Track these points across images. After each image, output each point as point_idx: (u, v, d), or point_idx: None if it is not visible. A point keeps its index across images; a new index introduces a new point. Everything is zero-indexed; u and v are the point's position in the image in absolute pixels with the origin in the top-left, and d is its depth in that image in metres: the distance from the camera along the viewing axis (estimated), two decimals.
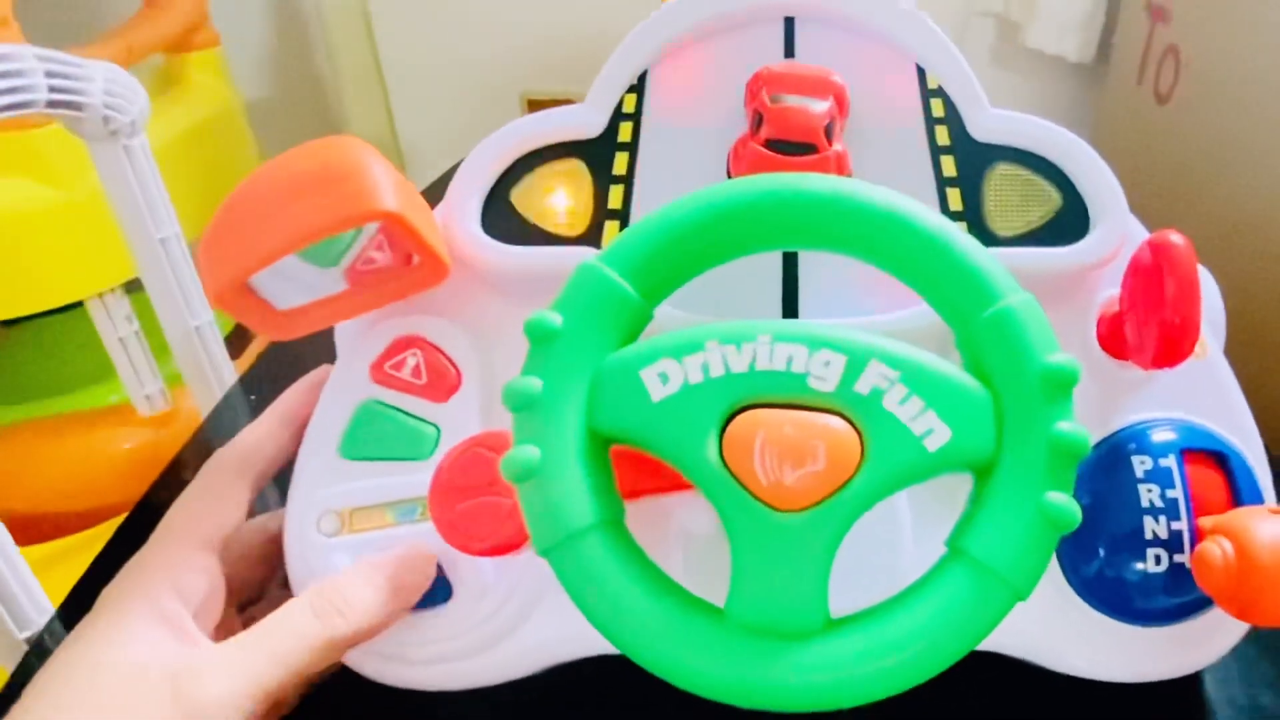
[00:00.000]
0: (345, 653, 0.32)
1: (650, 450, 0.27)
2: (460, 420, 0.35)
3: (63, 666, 0.29)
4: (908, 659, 0.25)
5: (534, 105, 1.28)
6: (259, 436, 0.36)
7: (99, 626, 0.30)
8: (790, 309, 0.36)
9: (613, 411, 0.26)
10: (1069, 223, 0.37)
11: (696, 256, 0.29)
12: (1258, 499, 0.35)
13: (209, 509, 0.34)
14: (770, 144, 0.35)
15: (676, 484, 0.31)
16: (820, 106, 0.36)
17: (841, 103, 0.37)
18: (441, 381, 0.35)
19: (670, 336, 0.27)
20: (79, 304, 0.78)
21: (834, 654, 0.25)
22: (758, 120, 0.36)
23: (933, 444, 0.25)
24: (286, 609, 0.31)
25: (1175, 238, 0.32)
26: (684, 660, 0.25)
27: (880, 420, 0.25)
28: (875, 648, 0.25)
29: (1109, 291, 0.37)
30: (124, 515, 0.50)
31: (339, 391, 0.36)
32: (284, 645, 0.30)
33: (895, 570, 0.33)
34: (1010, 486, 0.26)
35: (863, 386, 0.26)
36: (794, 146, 0.35)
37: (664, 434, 0.26)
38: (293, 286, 0.34)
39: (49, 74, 0.48)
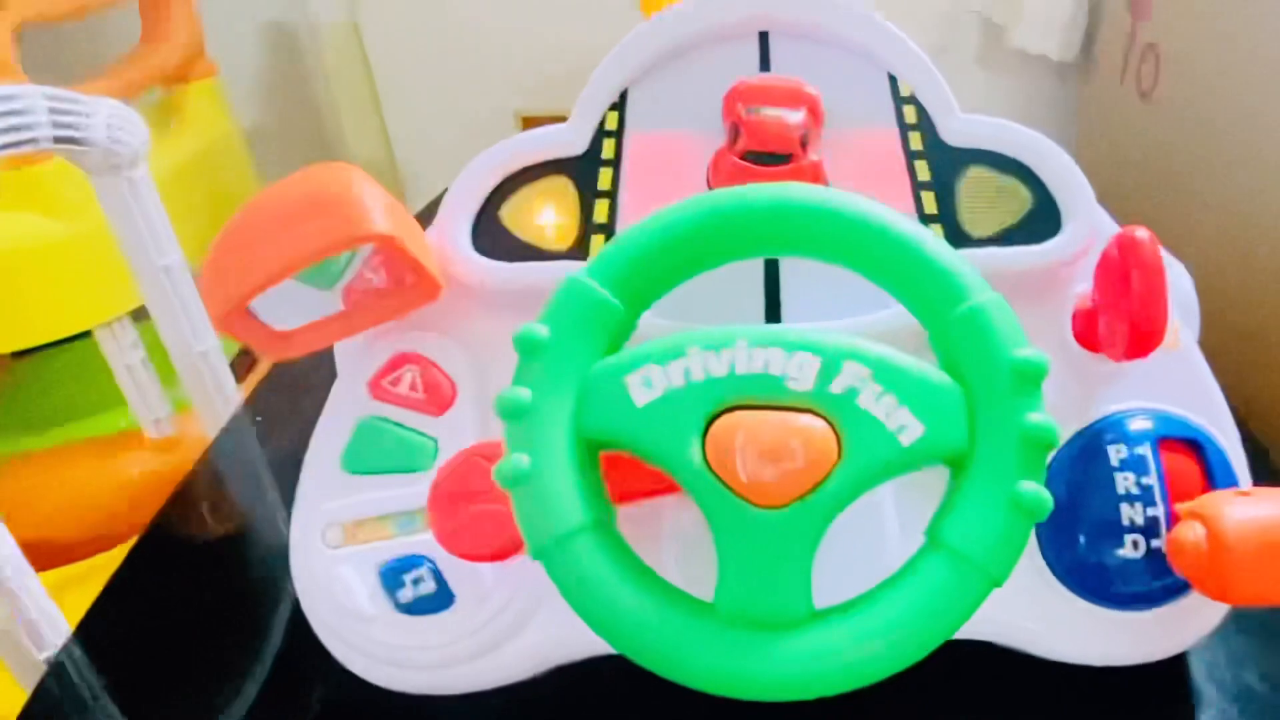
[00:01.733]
0: None
1: (636, 453, 0.28)
2: (457, 432, 0.36)
3: None
4: (890, 646, 0.26)
5: (529, 123, 1.30)
6: None
7: None
8: (773, 313, 0.37)
9: (600, 417, 0.28)
10: (1041, 221, 0.38)
11: (677, 267, 0.30)
12: (1232, 484, 0.36)
13: None
14: (748, 155, 0.37)
15: (665, 487, 0.32)
16: (795, 117, 0.37)
17: (815, 113, 0.38)
18: (438, 395, 0.37)
19: (653, 344, 0.28)
20: (86, 333, 0.80)
21: (819, 643, 0.26)
22: (735, 133, 0.37)
23: (907, 439, 0.27)
24: None
25: (1141, 233, 0.33)
26: (674, 653, 0.26)
27: (855, 418, 0.27)
28: (858, 636, 0.26)
29: (1083, 286, 0.38)
30: (135, 539, 0.51)
31: (339, 408, 0.37)
32: None
33: (881, 562, 0.34)
34: (983, 477, 0.27)
35: (838, 386, 0.27)
36: (770, 157, 0.36)
37: (649, 437, 0.27)
38: (292, 308, 0.35)
39: (53, 111, 0.49)
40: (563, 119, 0.40)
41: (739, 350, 0.27)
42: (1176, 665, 0.39)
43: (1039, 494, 0.26)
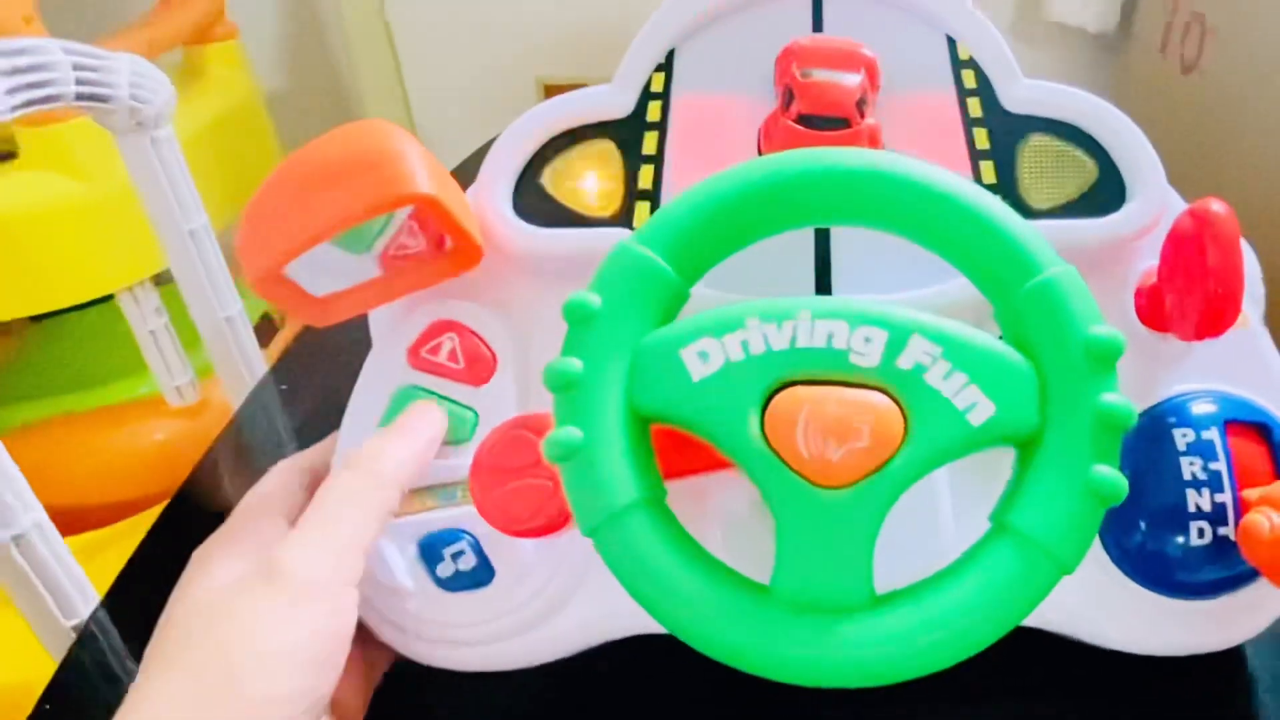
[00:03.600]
0: (390, 515, 0.32)
1: (691, 429, 0.27)
2: (498, 403, 0.35)
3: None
4: (955, 634, 0.25)
5: (550, 91, 1.28)
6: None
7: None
8: (824, 285, 0.36)
9: (653, 391, 0.26)
10: (1105, 194, 0.36)
11: (733, 234, 0.28)
12: None
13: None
14: (802, 119, 0.35)
15: (713, 464, 0.31)
16: (852, 80, 0.35)
17: (873, 76, 0.36)
18: (478, 365, 0.36)
19: (710, 314, 0.27)
20: (108, 297, 0.79)
21: (881, 629, 0.25)
22: (789, 96, 0.36)
23: (976, 418, 0.25)
24: (324, 484, 0.31)
25: (1217, 206, 0.32)
26: (731, 637, 0.25)
27: (923, 396, 0.25)
28: (922, 623, 0.25)
29: (1147, 263, 0.37)
30: (158, 506, 0.51)
31: (376, 377, 0.36)
32: (340, 509, 0.31)
33: (935, 549, 0.33)
34: (1055, 460, 0.26)
35: (905, 362, 0.25)
36: (826, 121, 0.35)
37: (705, 413, 0.26)
38: (328, 273, 0.34)
39: (76, 67, 0.48)
40: (584, 87, 0.38)
41: (801, 322, 0.26)
42: (1234, 656, 0.37)
43: (1114, 478, 0.25)
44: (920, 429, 0.25)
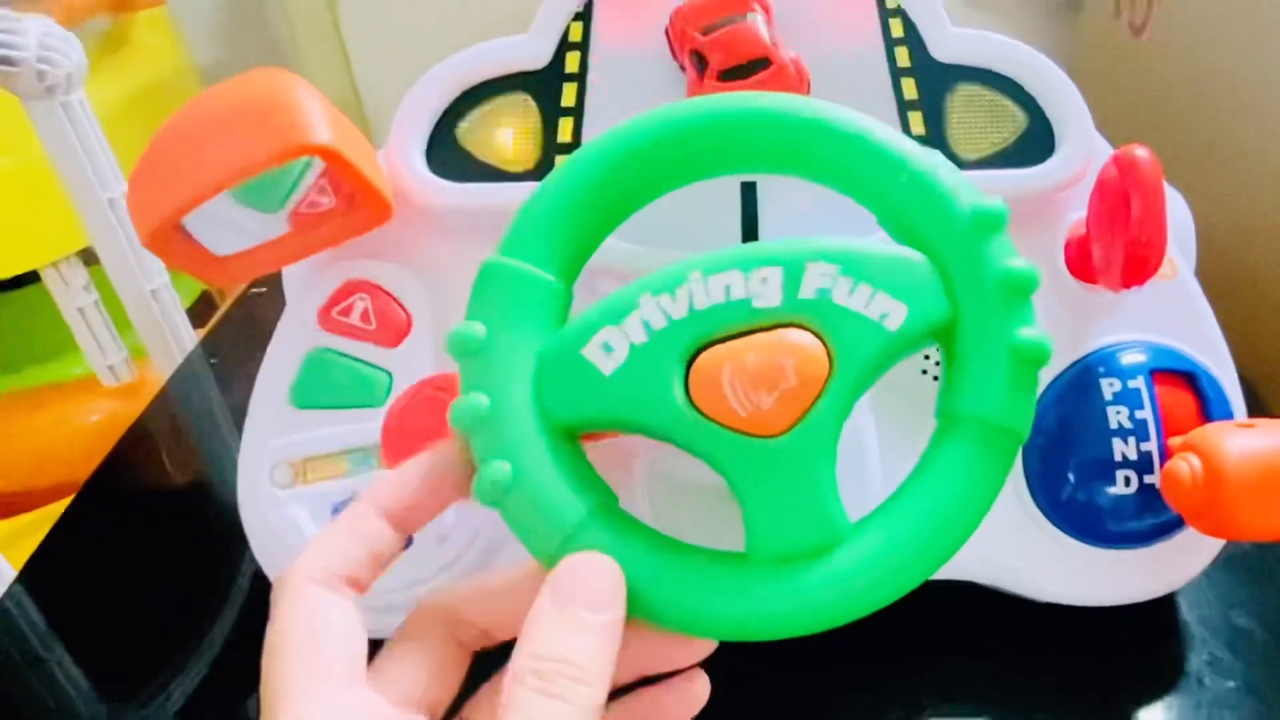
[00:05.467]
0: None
1: (618, 428, 0.25)
2: (412, 365, 0.34)
3: None
4: (941, 530, 0.24)
5: None
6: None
7: None
8: (750, 237, 0.35)
9: (566, 399, 0.25)
10: (1035, 143, 0.36)
11: (599, 221, 0.27)
12: (1228, 417, 0.34)
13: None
14: (724, 75, 0.34)
15: None
16: (755, 19, 0.34)
17: (767, 9, 0.35)
18: (391, 326, 0.34)
19: (600, 305, 0.25)
20: (37, 277, 0.76)
21: (872, 550, 0.24)
22: (699, 60, 0.35)
23: (893, 324, 0.25)
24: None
25: (1141, 151, 0.31)
26: (733, 616, 0.24)
27: (836, 317, 0.24)
28: (907, 530, 0.24)
29: (1076, 214, 0.36)
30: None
31: (287, 339, 0.35)
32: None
33: (865, 502, 0.33)
34: (976, 339, 0.25)
35: (807, 291, 0.25)
36: (748, 68, 0.34)
37: (627, 405, 0.25)
38: (233, 231, 0.33)
39: None
40: None
41: (694, 284, 0.25)
42: (1165, 605, 0.38)
43: (1037, 338, 0.24)
44: (843, 351, 0.24)
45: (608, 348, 0.25)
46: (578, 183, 0.26)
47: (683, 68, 0.36)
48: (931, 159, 0.26)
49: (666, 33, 0.36)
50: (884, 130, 0.26)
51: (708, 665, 0.26)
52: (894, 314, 0.24)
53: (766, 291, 0.24)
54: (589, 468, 0.26)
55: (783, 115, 0.27)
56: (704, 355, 0.25)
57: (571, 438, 0.26)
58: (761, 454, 0.24)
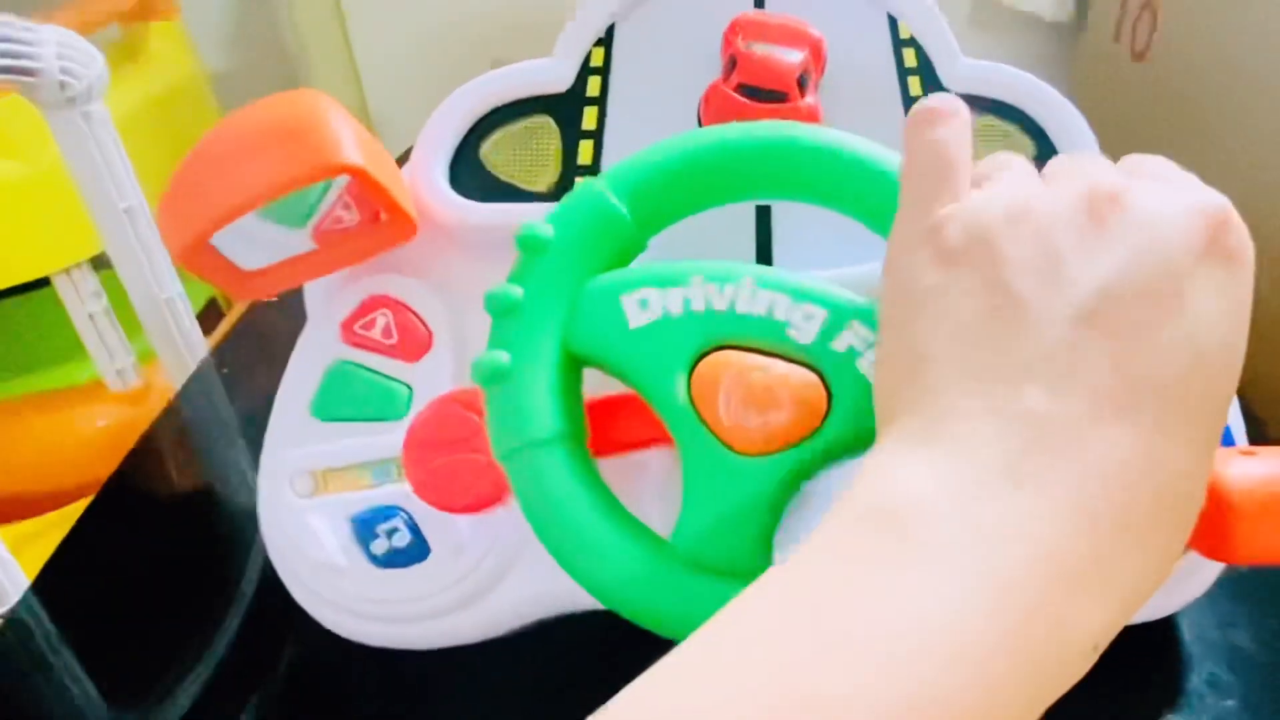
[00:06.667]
0: None
1: (619, 375, 0.27)
2: (432, 379, 0.35)
3: None
4: None
5: None
6: None
7: None
8: (764, 260, 0.36)
9: (588, 331, 0.26)
10: None
11: (697, 193, 0.28)
12: (1229, 442, 0.35)
13: None
14: (741, 88, 0.35)
15: (650, 439, 0.31)
16: (794, 57, 0.35)
17: (818, 56, 0.36)
18: (412, 341, 0.35)
19: (656, 266, 0.27)
20: (46, 282, 0.77)
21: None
22: (730, 65, 0.36)
23: None
24: None
25: None
26: (620, 584, 0.25)
27: (851, 381, 0.25)
28: None
29: None
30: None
31: (309, 352, 0.35)
32: None
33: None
34: None
35: (839, 344, 0.25)
36: (764, 93, 0.35)
37: (635, 360, 0.26)
38: (259, 247, 0.33)
39: None
40: None
41: (744, 287, 0.26)
42: (1165, 624, 0.38)
43: None
44: (843, 412, 0.25)
45: (644, 304, 0.26)
46: (695, 151, 0.28)
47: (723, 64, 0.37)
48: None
49: (725, 32, 0.37)
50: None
51: None
52: None
53: (805, 327, 0.25)
54: (578, 400, 0.27)
55: (870, 162, 0.28)
56: (718, 353, 0.26)
57: (578, 367, 0.27)
58: (721, 464, 0.25)
